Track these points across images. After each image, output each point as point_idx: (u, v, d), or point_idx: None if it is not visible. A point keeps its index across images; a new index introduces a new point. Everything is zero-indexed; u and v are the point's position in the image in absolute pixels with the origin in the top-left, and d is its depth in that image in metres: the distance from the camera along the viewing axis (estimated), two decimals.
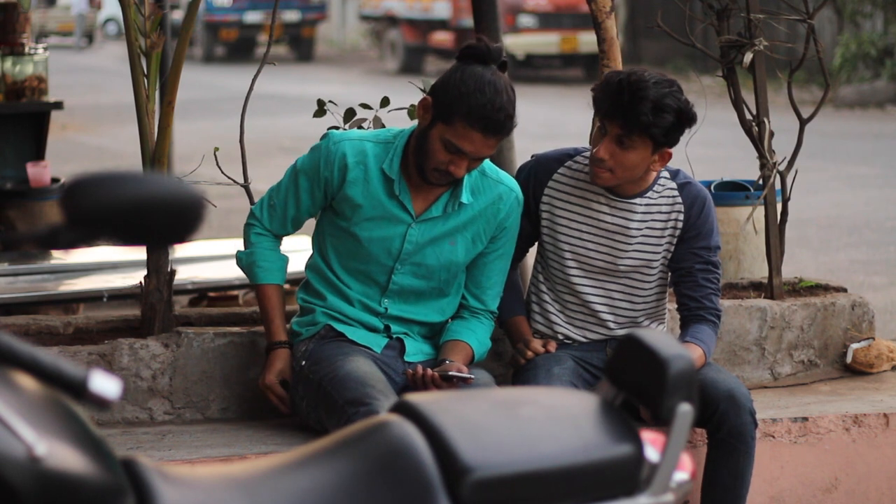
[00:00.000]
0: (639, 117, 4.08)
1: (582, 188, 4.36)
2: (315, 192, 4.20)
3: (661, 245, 4.35)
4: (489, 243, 4.28)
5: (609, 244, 4.35)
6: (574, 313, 4.42)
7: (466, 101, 3.95)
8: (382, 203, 4.16)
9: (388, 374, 4.21)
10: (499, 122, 3.96)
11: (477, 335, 4.31)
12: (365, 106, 4.91)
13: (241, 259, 4.36)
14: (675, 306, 4.45)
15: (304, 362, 4.21)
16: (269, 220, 4.29)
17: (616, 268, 4.36)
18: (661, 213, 4.34)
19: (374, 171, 4.15)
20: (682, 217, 4.33)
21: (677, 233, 4.34)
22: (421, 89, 4.79)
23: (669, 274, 4.43)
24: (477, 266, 4.32)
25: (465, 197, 4.18)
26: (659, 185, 4.35)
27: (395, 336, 4.27)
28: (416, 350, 4.28)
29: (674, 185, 4.35)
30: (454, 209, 4.18)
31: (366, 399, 3.94)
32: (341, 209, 4.19)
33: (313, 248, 4.34)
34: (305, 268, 4.36)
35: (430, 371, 4.11)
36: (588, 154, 4.34)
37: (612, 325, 4.40)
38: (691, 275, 4.34)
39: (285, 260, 4.35)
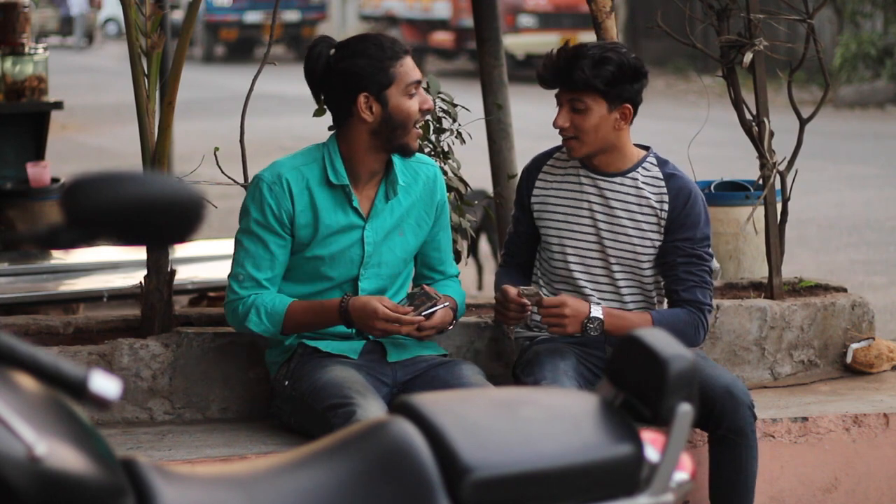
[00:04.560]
0: (577, 74, 4.19)
1: (569, 173, 4.41)
2: (283, 236, 4.19)
3: (649, 231, 4.34)
4: (434, 222, 4.36)
5: (592, 223, 4.36)
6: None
7: (380, 55, 4.13)
8: (335, 216, 4.21)
9: (375, 376, 4.24)
10: (402, 43, 4.22)
11: (450, 288, 4.40)
12: None
13: (246, 324, 4.20)
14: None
15: (286, 382, 4.25)
16: (246, 286, 4.21)
17: (603, 249, 4.35)
18: (646, 198, 4.33)
19: (316, 190, 4.19)
20: (666, 207, 4.33)
21: (663, 222, 4.34)
22: (424, 88, 4.80)
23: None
24: (430, 245, 4.39)
25: (401, 179, 4.26)
26: (644, 168, 4.36)
27: (370, 338, 4.28)
28: (397, 350, 4.30)
29: (660, 173, 4.36)
30: (395, 194, 4.25)
31: (343, 402, 3.98)
32: (297, 237, 4.21)
33: None
34: None
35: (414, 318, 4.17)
36: None
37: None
38: (673, 269, 4.33)
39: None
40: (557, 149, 4.46)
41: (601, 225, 4.36)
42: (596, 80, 4.18)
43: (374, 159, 4.20)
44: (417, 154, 4.37)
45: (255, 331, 4.20)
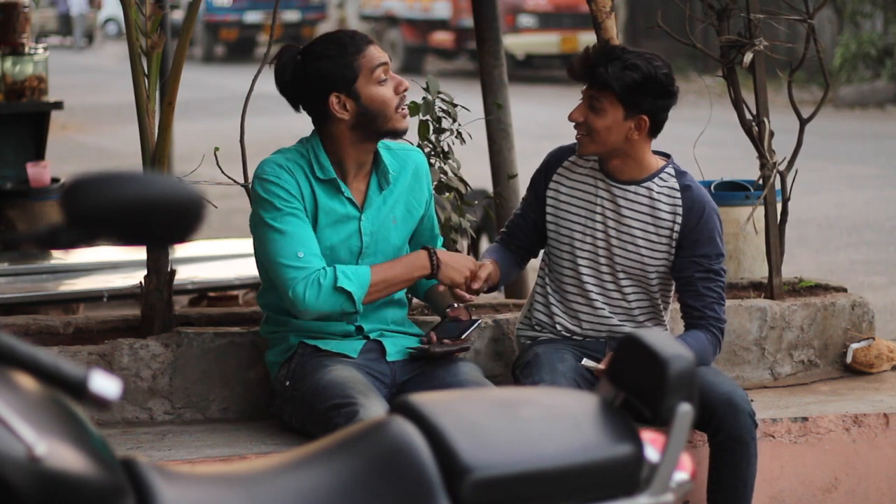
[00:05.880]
0: (600, 71, 4.18)
1: (586, 174, 4.39)
2: (305, 219, 4.17)
3: (660, 244, 4.34)
4: (425, 207, 4.40)
5: (603, 229, 4.35)
6: (571, 302, 4.42)
7: (342, 52, 4.15)
8: (333, 207, 4.22)
9: (375, 376, 4.25)
10: (363, 34, 4.25)
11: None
12: None
13: (339, 285, 4.11)
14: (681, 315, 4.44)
15: (287, 382, 4.25)
16: (312, 261, 4.14)
17: (611, 256, 4.35)
18: (659, 209, 4.33)
19: (314, 184, 4.20)
20: (680, 220, 4.32)
21: (675, 236, 4.33)
22: (424, 88, 4.82)
23: (670, 300, 4.43)
24: (425, 225, 4.43)
25: (392, 168, 4.28)
26: (661, 178, 4.34)
27: (370, 337, 4.29)
28: (396, 349, 4.31)
29: (677, 184, 4.34)
30: (388, 183, 4.28)
31: (346, 402, 3.99)
32: None
33: (266, 283, 4.32)
34: (261, 305, 4.37)
35: (435, 341, 4.27)
36: None
37: (607, 316, 4.38)
38: (692, 284, 4.32)
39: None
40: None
41: (611, 232, 4.35)
42: (614, 82, 4.16)
43: (360, 151, 4.22)
44: (402, 142, 4.42)
45: (347, 290, 4.09)
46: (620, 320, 4.40)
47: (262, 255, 4.18)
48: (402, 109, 4.20)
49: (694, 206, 4.31)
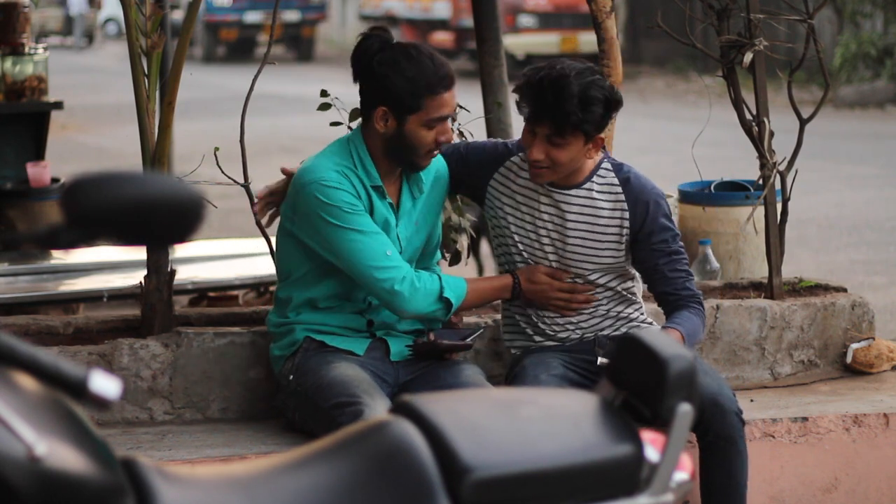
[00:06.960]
0: (569, 116, 4.07)
1: (523, 185, 4.33)
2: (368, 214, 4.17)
3: (608, 243, 4.29)
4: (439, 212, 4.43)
5: (550, 237, 4.31)
6: (543, 310, 4.39)
7: (420, 81, 4.07)
8: (381, 211, 4.22)
9: (379, 374, 4.24)
10: (450, 74, 4.13)
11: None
12: None
13: (444, 295, 4.17)
14: (656, 304, 4.43)
15: (291, 377, 4.25)
16: (401, 260, 4.16)
17: (560, 260, 4.31)
18: (601, 208, 4.28)
19: (361, 188, 4.17)
20: (627, 216, 4.28)
21: (625, 232, 4.29)
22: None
23: (637, 277, 4.40)
24: (433, 233, 4.42)
25: (424, 175, 4.28)
26: (598, 176, 4.30)
27: (377, 335, 4.28)
28: (401, 349, 4.31)
29: (616, 179, 4.30)
30: (421, 192, 4.29)
31: (351, 400, 3.99)
32: None
33: (284, 276, 4.31)
34: (278, 296, 4.35)
35: (434, 339, 4.29)
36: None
37: (583, 311, 4.38)
38: (658, 271, 4.30)
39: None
40: (504, 157, 4.38)
41: (556, 237, 4.30)
42: (586, 125, 4.09)
43: (390, 163, 4.21)
44: None
45: (447, 297, 4.15)
46: (595, 309, 4.37)
47: (344, 260, 4.12)
48: (432, 152, 4.17)
49: (639, 199, 4.28)
